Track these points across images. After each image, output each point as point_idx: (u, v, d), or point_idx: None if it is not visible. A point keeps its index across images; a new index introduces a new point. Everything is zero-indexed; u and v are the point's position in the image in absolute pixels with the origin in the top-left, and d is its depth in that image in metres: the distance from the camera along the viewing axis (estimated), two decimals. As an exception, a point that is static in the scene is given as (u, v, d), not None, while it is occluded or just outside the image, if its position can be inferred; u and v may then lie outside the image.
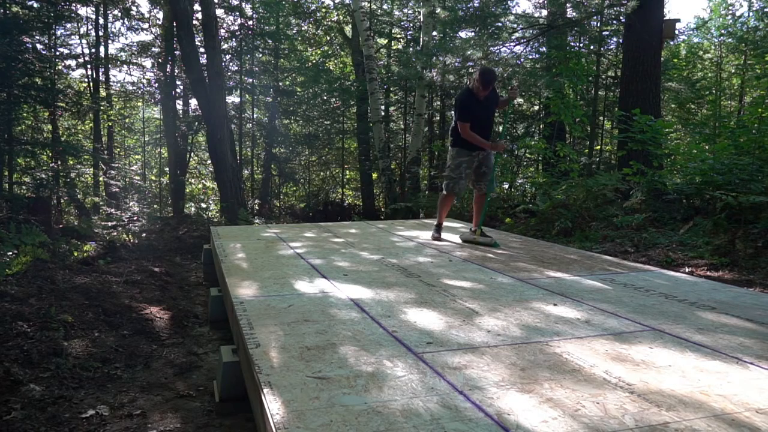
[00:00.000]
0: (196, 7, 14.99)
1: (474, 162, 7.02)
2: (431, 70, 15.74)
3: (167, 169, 21.20)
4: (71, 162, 14.33)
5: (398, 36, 22.88)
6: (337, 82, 21.08)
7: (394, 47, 22.83)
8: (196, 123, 18.81)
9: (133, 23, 18.86)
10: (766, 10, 20.87)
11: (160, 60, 19.19)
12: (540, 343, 3.35)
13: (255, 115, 22.27)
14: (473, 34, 16.82)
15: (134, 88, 20.95)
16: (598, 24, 16.90)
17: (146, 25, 19.26)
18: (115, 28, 19.41)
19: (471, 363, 3.02)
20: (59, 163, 13.40)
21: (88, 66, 17.93)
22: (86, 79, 18.26)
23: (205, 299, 6.67)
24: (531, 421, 2.39)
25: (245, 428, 3.53)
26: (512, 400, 2.59)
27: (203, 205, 16.54)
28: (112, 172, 15.41)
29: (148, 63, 20.19)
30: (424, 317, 3.84)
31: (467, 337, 3.43)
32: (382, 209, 13.45)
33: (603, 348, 3.26)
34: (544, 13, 19.44)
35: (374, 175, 19.65)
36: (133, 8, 18.61)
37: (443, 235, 7.50)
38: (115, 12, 18.64)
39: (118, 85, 21.17)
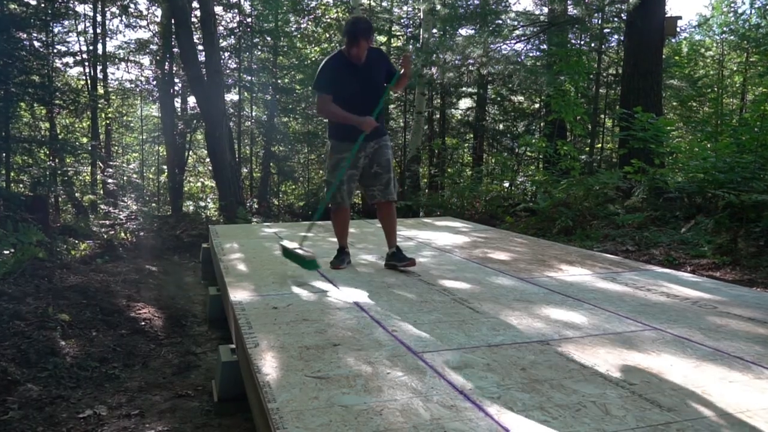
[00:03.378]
0: (195, 4, 14.94)
1: (359, 158, 5.23)
2: (431, 67, 15.72)
3: (165, 167, 21.16)
4: (69, 160, 14.29)
5: (398, 33, 22.85)
6: (337, 80, 21.02)
7: (394, 45, 22.79)
8: (195, 121, 18.78)
9: (131, 20, 18.82)
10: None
11: (158, 57, 19.16)
12: (541, 342, 3.34)
13: (254, 113, 22.22)
14: (473, 31, 16.81)
15: (132, 85, 20.91)
16: (600, 21, 16.87)
17: (144, 23, 19.18)
18: (113, 25, 19.32)
19: (471, 363, 3.02)
20: (57, 161, 13.38)
21: (86, 63, 17.90)
22: (84, 77, 18.22)
23: (203, 298, 6.67)
24: (532, 422, 2.39)
25: (244, 428, 3.53)
26: (513, 400, 2.58)
27: (201, 204, 16.50)
28: (110, 170, 15.38)
29: (146, 60, 20.17)
30: (424, 317, 3.83)
31: (467, 337, 3.42)
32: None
33: (604, 348, 3.26)
34: (545, 10, 19.44)
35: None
36: (131, 5, 18.56)
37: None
38: (113, 9, 18.60)
39: (116, 82, 21.14)
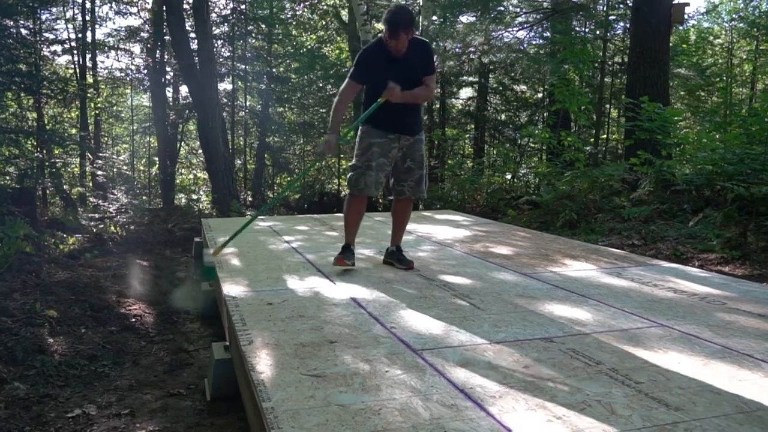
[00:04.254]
0: (187, -10, 14.92)
1: (392, 149, 5.05)
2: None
3: (156, 158, 21.17)
4: (57, 151, 14.24)
5: (397, 20, 22.80)
6: (333, 69, 21.00)
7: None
8: (187, 111, 18.76)
9: (121, 7, 18.75)
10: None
11: (149, 45, 19.12)
12: (544, 340, 3.34)
13: (248, 103, 22.21)
14: (474, 18, 16.78)
15: (122, 74, 20.82)
16: (605, 8, 16.87)
17: (135, 9, 19.12)
18: (102, 12, 19.22)
19: (472, 361, 3.02)
20: (44, 152, 13.34)
21: (75, 52, 17.84)
22: (73, 66, 18.17)
23: (195, 294, 6.67)
24: (535, 421, 2.38)
25: (237, 428, 3.52)
26: (515, 399, 2.58)
27: (194, 197, 16.54)
28: (100, 161, 15.33)
29: (136, 48, 20.11)
30: (423, 313, 3.83)
31: (468, 334, 3.42)
32: (380, 201, 13.41)
33: (609, 345, 3.25)
34: (549, -4, 19.41)
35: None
36: (121, -9, 18.54)
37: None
38: (103, -5, 18.58)
39: (106, 71, 21.02)
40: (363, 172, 5.00)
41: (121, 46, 19.74)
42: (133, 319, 5.57)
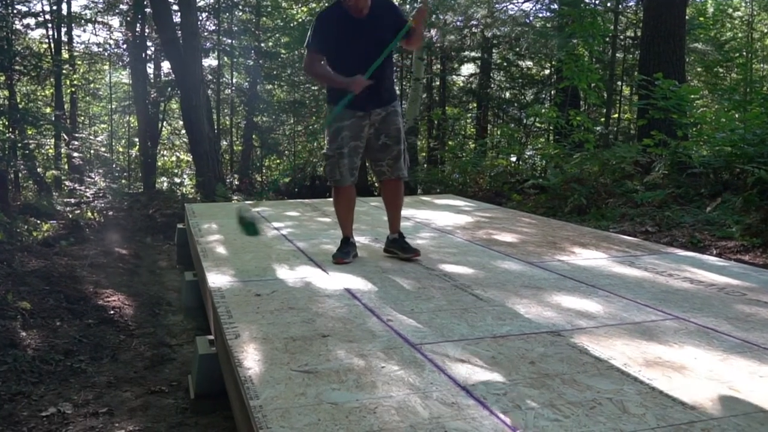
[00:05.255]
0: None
1: (363, 128, 4.87)
2: (430, 30, 15.65)
3: (137, 139, 21.09)
4: (30, 132, 14.22)
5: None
6: (326, 43, 20.94)
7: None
8: (169, 88, 18.69)
9: (99, -23, 18.70)
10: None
11: (128, 18, 19.02)
12: (551, 333, 3.34)
13: (234, 80, 22.14)
14: (477, -11, 16.71)
15: (100, 49, 20.74)
16: (617, -22, 16.82)
17: (113, -20, 19.08)
18: (78, -18, 19.22)
19: (475, 356, 3.01)
20: (17, 132, 13.29)
21: (49, 25, 17.73)
22: (47, 40, 18.08)
23: (178, 284, 6.66)
24: (542, 420, 2.38)
25: (223, 428, 3.52)
26: (520, 396, 2.57)
27: (177, 180, 16.49)
28: (76, 143, 15.31)
29: (115, 22, 20.04)
30: (422, 305, 3.83)
31: (470, 327, 3.42)
32: (375, 185, 13.41)
33: (621, 339, 3.25)
34: (557, -35, 19.34)
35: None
36: (99, -41, 18.45)
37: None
38: (78, -36, 18.49)
39: (83, 46, 20.93)
40: (336, 161, 4.85)
41: (99, 19, 19.64)
42: (112, 312, 5.56)
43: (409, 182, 14.30)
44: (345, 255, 5.02)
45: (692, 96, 10.77)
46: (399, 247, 5.13)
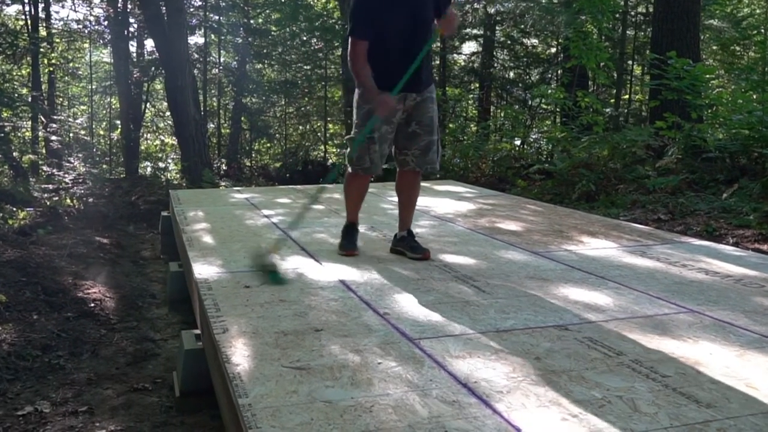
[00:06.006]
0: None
1: (395, 113, 4.68)
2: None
3: (118, 122, 21.08)
4: (5, 114, 14.21)
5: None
6: (319, 20, 20.86)
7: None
8: (153, 68, 18.67)
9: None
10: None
11: (109, -7, 18.98)
12: (558, 327, 3.33)
13: (222, 59, 22.11)
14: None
15: (80, 26, 20.71)
16: (628, -49, 16.78)
17: (93, -48, 19.02)
18: (56, -46, 19.12)
19: (476, 351, 3.01)
20: (-10, 115, 13.32)
21: (26, 0, 17.70)
22: (23, 16, 18.04)
23: (163, 275, 6.66)
24: (547, 420, 2.37)
25: (210, 427, 3.52)
26: (525, 394, 2.57)
27: (161, 165, 16.49)
28: (54, 125, 15.28)
29: (96, -3, 19.98)
30: (421, 298, 3.82)
31: (472, 321, 3.41)
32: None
33: (632, 334, 3.25)
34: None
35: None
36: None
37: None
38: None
39: (61, 23, 20.93)
40: (366, 147, 4.67)
41: (79, -6, 19.60)
42: (92, 304, 5.55)
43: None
44: (353, 246, 4.96)
45: (707, 76, 10.76)
46: (408, 247, 4.94)
